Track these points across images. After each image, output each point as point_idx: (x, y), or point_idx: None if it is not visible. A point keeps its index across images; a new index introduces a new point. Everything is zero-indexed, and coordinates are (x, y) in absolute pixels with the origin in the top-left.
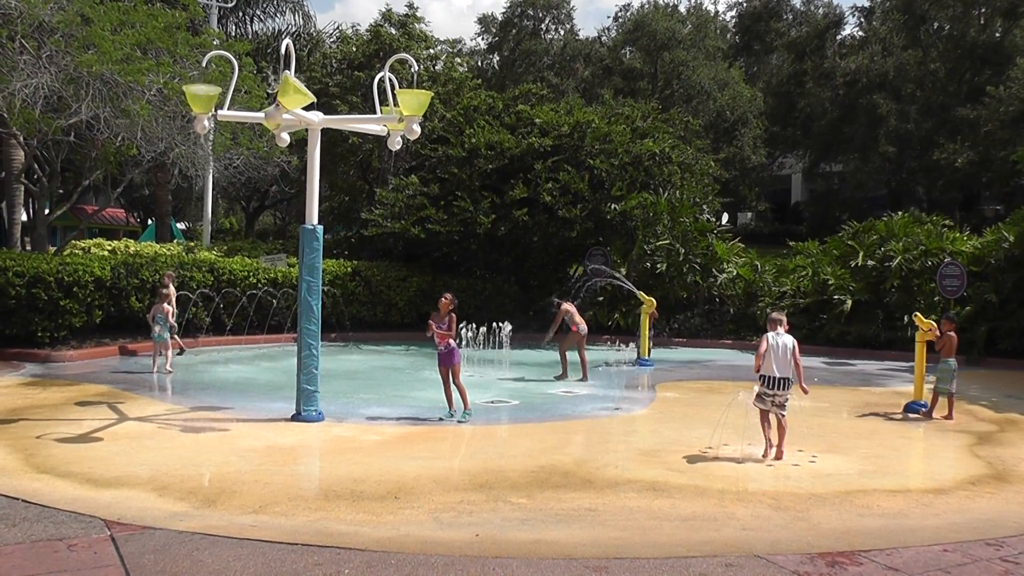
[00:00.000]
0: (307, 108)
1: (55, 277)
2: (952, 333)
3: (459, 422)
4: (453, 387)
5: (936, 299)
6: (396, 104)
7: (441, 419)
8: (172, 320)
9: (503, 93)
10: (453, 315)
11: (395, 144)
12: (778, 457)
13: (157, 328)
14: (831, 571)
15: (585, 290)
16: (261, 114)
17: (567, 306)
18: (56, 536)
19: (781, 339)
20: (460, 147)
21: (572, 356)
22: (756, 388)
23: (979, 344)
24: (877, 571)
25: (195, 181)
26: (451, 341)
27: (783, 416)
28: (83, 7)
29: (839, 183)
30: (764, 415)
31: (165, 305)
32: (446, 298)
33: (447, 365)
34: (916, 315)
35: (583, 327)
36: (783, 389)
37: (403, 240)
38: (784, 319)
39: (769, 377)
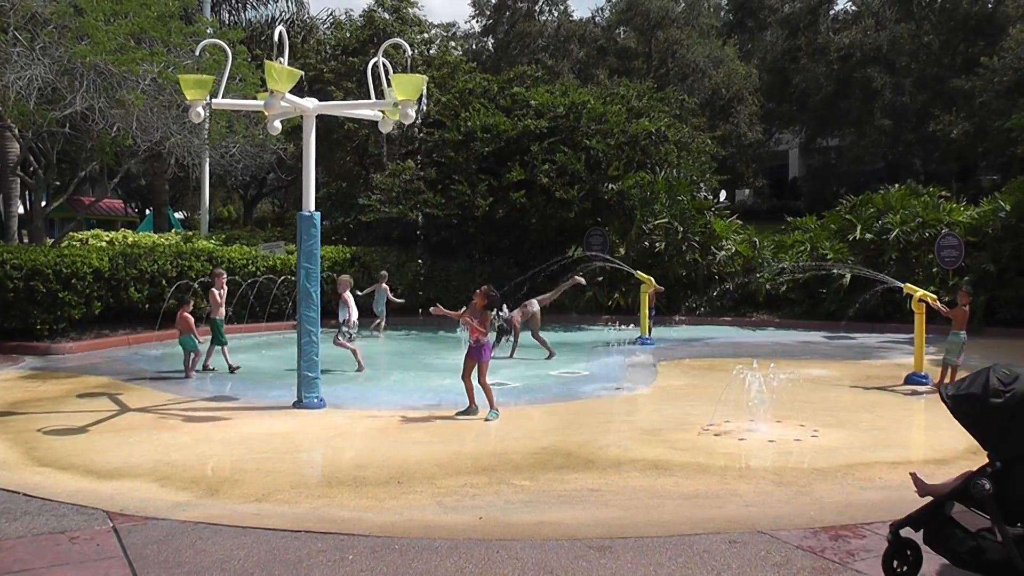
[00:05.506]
0: (301, 94)
1: (53, 269)
2: (966, 306)
3: (486, 420)
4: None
5: (935, 270)
6: (391, 88)
7: (457, 415)
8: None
9: (498, 76)
10: (487, 311)
11: (387, 127)
12: None
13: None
14: (834, 545)
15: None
16: (256, 102)
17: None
18: (58, 529)
19: None
20: (456, 131)
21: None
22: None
23: (978, 314)
24: (880, 544)
25: (192, 170)
26: (482, 337)
27: None
28: None
29: (836, 158)
30: None
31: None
32: (481, 291)
33: (475, 359)
34: (906, 285)
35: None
36: None
37: (401, 225)
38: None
39: None
